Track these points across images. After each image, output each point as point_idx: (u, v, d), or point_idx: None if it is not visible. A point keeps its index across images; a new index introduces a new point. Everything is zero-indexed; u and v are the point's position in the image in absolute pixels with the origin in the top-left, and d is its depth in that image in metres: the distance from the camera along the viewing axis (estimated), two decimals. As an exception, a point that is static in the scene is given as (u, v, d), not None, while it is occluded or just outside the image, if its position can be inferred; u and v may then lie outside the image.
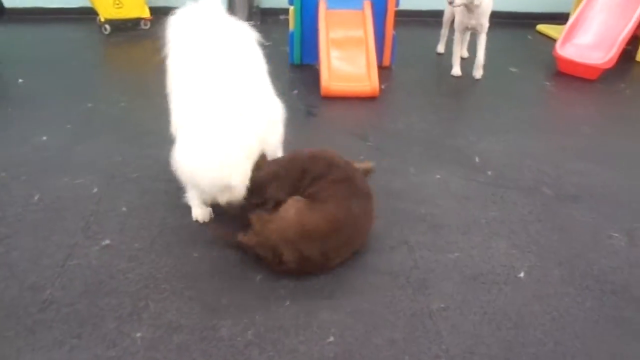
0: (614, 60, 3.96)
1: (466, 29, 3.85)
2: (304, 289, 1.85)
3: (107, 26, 4.72)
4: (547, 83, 4.02)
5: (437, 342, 1.68)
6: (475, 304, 1.85)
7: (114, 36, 4.74)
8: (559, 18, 5.08)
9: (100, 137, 2.89)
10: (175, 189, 2.40)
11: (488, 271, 2.02)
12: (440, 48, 4.45)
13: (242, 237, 1.94)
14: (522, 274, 2.01)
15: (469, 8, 3.63)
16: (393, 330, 1.72)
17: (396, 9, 3.85)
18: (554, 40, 4.42)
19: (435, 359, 1.62)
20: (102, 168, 2.57)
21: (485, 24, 3.75)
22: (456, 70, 3.96)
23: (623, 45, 3.99)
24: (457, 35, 3.91)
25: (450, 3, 3.59)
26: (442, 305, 1.83)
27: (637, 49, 4.47)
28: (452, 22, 4.13)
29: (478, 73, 3.92)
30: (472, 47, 4.12)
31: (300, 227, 1.84)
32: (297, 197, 1.94)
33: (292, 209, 1.89)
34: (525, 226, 2.29)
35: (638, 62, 4.48)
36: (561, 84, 4.03)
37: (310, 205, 1.90)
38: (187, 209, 2.27)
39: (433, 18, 5.20)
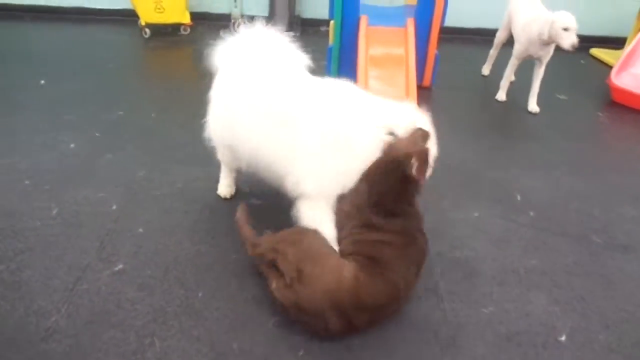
0: (675, 93, 3.66)
1: (528, 57, 3.56)
2: (319, 338, 1.71)
3: (147, 30, 4.72)
4: (600, 114, 3.75)
5: (464, 414, 1.51)
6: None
7: (153, 40, 4.73)
8: (616, 42, 4.79)
9: (127, 148, 2.83)
10: (197, 210, 2.32)
11: (525, 330, 1.83)
12: (486, 70, 4.23)
13: (275, 288, 1.71)
14: (563, 337, 1.81)
15: (549, 43, 3.34)
16: (415, 395, 1.56)
17: (441, 27, 3.67)
18: (608, 67, 4.15)
19: None
20: (125, 182, 2.50)
21: (551, 53, 3.48)
22: (501, 95, 3.75)
23: (687, 78, 3.70)
24: (514, 62, 3.65)
25: (574, 47, 3.17)
26: (474, 369, 1.66)
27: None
28: (503, 43, 3.94)
29: (534, 106, 3.63)
30: (520, 71, 3.90)
31: (355, 297, 1.62)
32: (354, 257, 1.71)
33: (349, 273, 1.65)
34: (569, 279, 2.09)
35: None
36: (615, 115, 3.75)
37: (370, 271, 1.67)
38: (205, 234, 2.17)
39: (479, 36, 5.00)
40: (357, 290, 1.62)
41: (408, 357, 1.68)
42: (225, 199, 2.41)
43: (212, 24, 5.02)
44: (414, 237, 1.76)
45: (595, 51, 4.88)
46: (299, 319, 1.70)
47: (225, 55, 2.12)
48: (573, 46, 3.16)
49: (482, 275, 2.06)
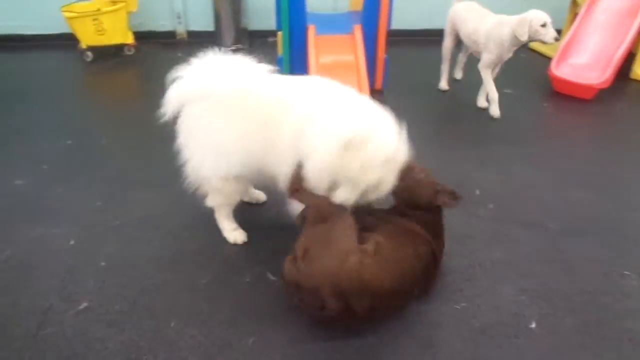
0: (610, 80, 3.88)
1: (500, 62, 3.56)
2: (298, 354, 1.69)
3: (89, 53, 4.58)
4: (545, 104, 3.92)
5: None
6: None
7: (96, 64, 4.59)
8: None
9: (79, 178, 2.73)
10: (159, 237, 2.26)
11: (497, 322, 1.88)
12: (444, 84, 4.07)
13: (288, 265, 1.70)
14: (533, 325, 1.87)
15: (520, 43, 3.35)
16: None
17: (388, 31, 3.73)
18: (548, 58, 4.34)
19: None
20: (81, 215, 2.41)
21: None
22: (495, 111, 3.60)
23: (619, 64, 3.91)
24: (487, 72, 3.55)
25: (557, 40, 3.26)
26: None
27: (629, 67, 4.39)
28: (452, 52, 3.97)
29: (483, 101, 3.73)
30: (466, 70, 4.03)
31: (357, 281, 1.60)
32: (360, 245, 1.71)
33: (355, 256, 1.63)
34: (532, 267, 2.16)
35: (632, 79, 4.40)
36: (558, 105, 3.93)
37: (376, 258, 1.67)
38: (171, 261, 2.12)
39: (425, 37, 5.13)
40: (360, 274, 1.61)
41: (388, 361, 1.70)
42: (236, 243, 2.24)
43: (156, 42, 4.93)
44: (431, 239, 1.88)
45: (535, 44, 5.10)
46: (298, 300, 1.70)
47: (193, 85, 2.03)
48: (555, 38, 3.23)
49: (451, 273, 2.10)
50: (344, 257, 1.63)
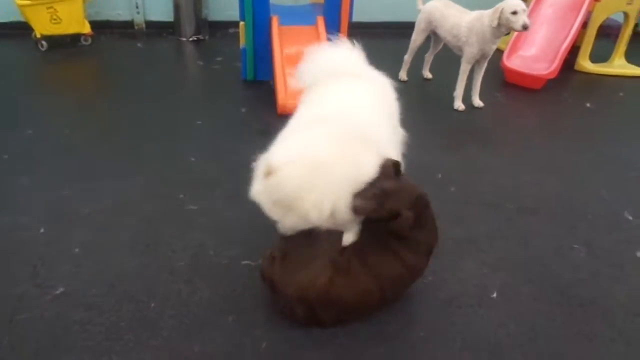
0: (557, 71, 4.13)
1: (480, 56, 3.61)
2: (280, 329, 1.77)
3: (44, 42, 4.43)
4: (497, 94, 4.13)
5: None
6: (453, 330, 1.83)
7: (52, 53, 4.45)
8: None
9: (44, 168, 2.68)
10: (132, 223, 2.27)
11: (462, 293, 2.01)
12: (403, 75, 4.22)
13: (264, 255, 1.81)
14: (495, 294, 2.02)
15: (501, 32, 3.40)
16: (375, 366, 1.67)
17: (349, 21, 3.83)
18: (500, 51, 4.55)
19: (420, 394, 1.59)
20: (49, 204, 2.37)
21: (494, 48, 3.60)
22: (459, 104, 3.74)
23: (565, 56, 4.17)
24: (466, 67, 3.66)
25: (525, 28, 3.29)
26: (422, 334, 1.80)
27: (574, 59, 4.68)
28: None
29: (478, 101, 3.80)
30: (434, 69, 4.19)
31: (324, 297, 1.68)
32: (334, 261, 1.73)
33: (324, 276, 1.69)
34: (492, 243, 2.32)
35: (577, 70, 4.69)
36: (510, 94, 4.15)
37: (345, 276, 1.71)
38: (146, 246, 2.13)
39: (387, 30, 5.27)
40: (329, 292, 1.68)
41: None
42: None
43: (114, 32, 4.83)
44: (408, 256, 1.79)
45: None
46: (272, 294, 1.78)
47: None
48: (524, 26, 3.27)
49: (418, 250, 2.22)
50: (317, 274, 1.69)
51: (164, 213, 2.35)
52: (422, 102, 3.95)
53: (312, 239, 1.75)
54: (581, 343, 1.83)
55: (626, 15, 4.59)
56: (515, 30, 3.34)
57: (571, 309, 1.98)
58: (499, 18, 3.31)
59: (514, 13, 3.26)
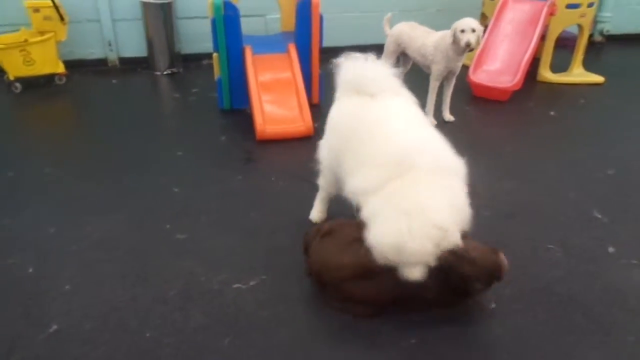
0: (521, 82, 4.32)
1: (447, 73, 3.77)
2: (274, 348, 1.81)
3: (18, 84, 4.44)
4: (467, 108, 4.30)
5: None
6: (440, 334, 1.91)
7: (26, 95, 4.45)
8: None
9: (27, 208, 2.69)
10: (120, 256, 2.29)
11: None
12: None
13: (311, 233, 2.12)
14: (477, 298, 2.10)
15: (461, 50, 3.56)
16: None
17: (320, 48, 3.96)
18: (466, 67, 4.75)
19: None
20: (35, 243, 2.39)
21: (460, 66, 3.77)
22: (432, 120, 3.86)
23: (527, 68, 4.38)
24: (435, 84, 3.82)
25: (468, 46, 3.45)
26: (413, 341, 1.87)
27: (536, 70, 4.91)
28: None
29: (448, 115, 3.96)
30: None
31: (337, 285, 1.96)
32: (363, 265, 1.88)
33: (347, 270, 1.92)
34: (472, 250, 2.41)
35: (539, 81, 4.91)
36: (478, 107, 4.32)
37: (367, 279, 1.91)
38: (136, 277, 2.16)
39: (357, 52, 5.43)
40: (341, 284, 1.95)
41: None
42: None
43: (88, 70, 4.87)
44: None
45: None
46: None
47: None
48: (466, 44, 3.44)
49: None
50: (342, 265, 1.91)
51: (151, 244, 2.39)
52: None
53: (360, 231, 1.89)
54: (562, 337, 1.92)
55: (580, 27, 4.85)
56: (460, 45, 3.51)
57: (551, 305, 2.08)
58: (453, 35, 3.53)
59: (462, 31, 3.47)
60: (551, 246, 2.46)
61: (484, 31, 4.53)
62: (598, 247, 2.47)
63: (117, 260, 2.27)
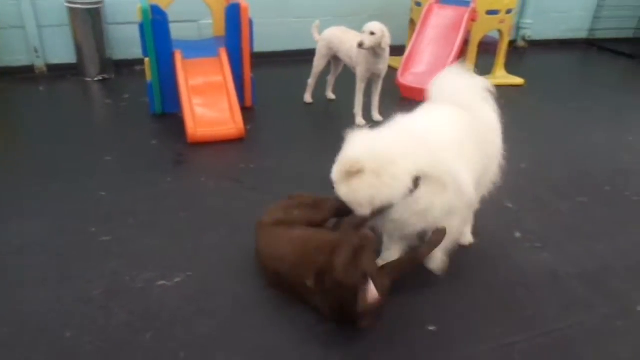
0: (445, 84, 4.57)
1: (372, 75, 3.93)
2: (195, 341, 1.86)
3: None
4: (395, 108, 4.44)
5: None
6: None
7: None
8: (398, 50, 5.71)
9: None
10: (43, 260, 2.27)
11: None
12: (309, 97, 4.44)
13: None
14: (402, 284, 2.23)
15: (377, 53, 3.74)
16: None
17: (251, 52, 4.03)
18: (395, 70, 4.97)
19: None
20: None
21: (387, 67, 3.94)
22: (360, 120, 4.01)
23: (450, 70, 4.63)
24: (361, 86, 3.96)
25: (360, 46, 3.60)
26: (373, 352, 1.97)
27: (462, 72, 5.20)
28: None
29: (377, 115, 4.09)
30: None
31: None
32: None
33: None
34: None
35: (464, 82, 5.20)
36: (406, 107, 4.45)
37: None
38: (61, 280, 2.15)
39: (288, 58, 5.55)
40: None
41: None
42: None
43: (14, 78, 4.71)
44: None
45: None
46: None
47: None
48: (358, 44, 3.61)
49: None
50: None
51: (75, 247, 2.38)
52: (327, 121, 4.22)
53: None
54: (468, 314, 2.09)
55: (500, 32, 5.18)
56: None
57: (459, 287, 2.25)
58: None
59: (363, 32, 3.66)
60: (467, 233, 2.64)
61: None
62: (506, 233, 2.68)
63: (39, 265, 2.25)
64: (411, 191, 1.91)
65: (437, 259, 2.24)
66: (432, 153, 1.97)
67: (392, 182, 1.87)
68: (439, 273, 2.26)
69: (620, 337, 2.03)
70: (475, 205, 2.40)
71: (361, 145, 1.97)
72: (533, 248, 2.56)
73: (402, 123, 2.16)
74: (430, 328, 2.00)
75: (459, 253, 2.45)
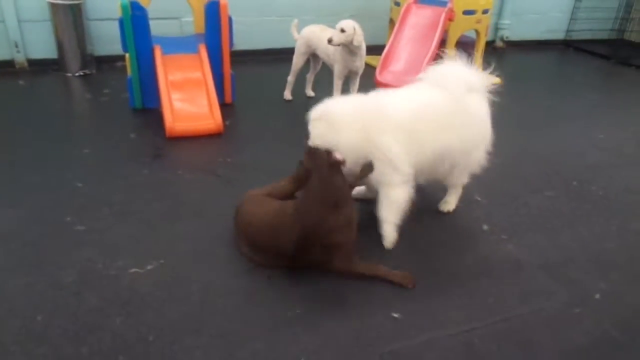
0: (423, 82, 4.66)
1: (349, 72, 4.00)
2: (167, 324, 1.91)
3: None
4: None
5: None
6: (331, 301, 2.08)
7: None
8: (378, 49, 5.80)
9: None
10: (17, 248, 2.30)
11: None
12: (288, 94, 4.52)
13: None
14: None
15: (351, 50, 3.82)
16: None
17: (231, 49, 4.08)
18: (374, 68, 5.05)
19: None
20: None
21: (363, 65, 4.01)
22: None
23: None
24: (338, 83, 4.05)
25: (330, 42, 3.70)
26: (299, 312, 2.03)
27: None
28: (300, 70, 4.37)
29: None
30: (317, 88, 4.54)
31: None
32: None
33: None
34: (366, 232, 2.61)
35: (443, 82, 5.29)
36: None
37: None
38: (33, 267, 2.18)
39: (269, 56, 5.60)
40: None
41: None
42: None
43: (-8, 72, 4.70)
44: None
45: (366, 58, 5.84)
46: None
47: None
48: (328, 39, 3.71)
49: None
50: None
51: (49, 236, 2.41)
52: (305, 117, 4.26)
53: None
54: (432, 300, 2.16)
55: (477, 32, 5.29)
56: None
57: (427, 275, 2.31)
58: None
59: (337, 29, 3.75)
60: (434, 225, 2.72)
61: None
62: (475, 226, 2.76)
63: (12, 253, 2.28)
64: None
65: (388, 233, 2.46)
66: (375, 126, 2.37)
67: (336, 133, 2.34)
68: (389, 246, 2.46)
69: (577, 324, 2.12)
70: (464, 180, 2.80)
71: (333, 103, 2.48)
72: (499, 240, 2.64)
73: (374, 95, 2.57)
74: (395, 315, 2.07)
75: (425, 243, 2.54)
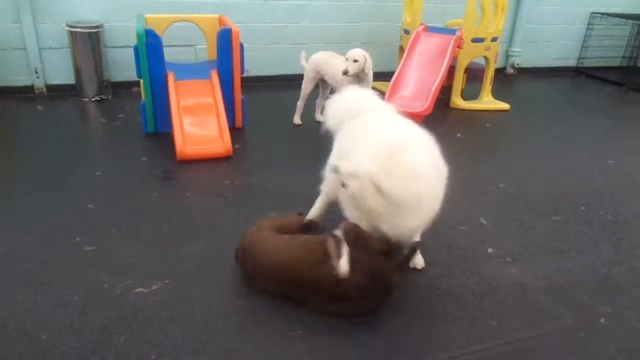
0: (431, 108, 4.70)
1: None
2: (169, 345, 1.93)
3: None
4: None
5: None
6: (333, 327, 2.09)
7: (-54, 120, 4.42)
8: (388, 76, 5.88)
9: None
10: (27, 267, 2.35)
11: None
12: (297, 119, 4.61)
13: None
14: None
15: (359, 77, 3.92)
16: None
17: (242, 76, 4.19)
18: (383, 93, 5.12)
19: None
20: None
21: (370, 89, 4.09)
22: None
23: (436, 95, 4.78)
24: None
25: (345, 73, 3.80)
26: (300, 332, 2.04)
27: (449, 98, 5.35)
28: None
29: None
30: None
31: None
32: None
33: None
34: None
35: (452, 107, 5.34)
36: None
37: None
38: (42, 286, 2.23)
39: (280, 82, 5.72)
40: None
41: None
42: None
43: (13, 97, 4.87)
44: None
45: (375, 84, 5.93)
46: None
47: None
48: (343, 71, 3.81)
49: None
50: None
51: (59, 256, 2.46)
52: (314, 141, 4.30)
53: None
54: (434, 322, 2.16)
55: (486, 59, 5.35)
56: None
57: (429, 297, 2.32)
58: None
59: (347, 60, 3.87)
60: (438, 249, 2.72)
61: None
62: (479, 248, 2.75)
63: (22, 271, 2.33)
64: None
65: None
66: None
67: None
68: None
69: (582, 349, 2.09)
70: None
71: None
72: (504, 263, 2.63)
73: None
74: (396, 336, 2.07)
75: (428, 264, 2.54)
